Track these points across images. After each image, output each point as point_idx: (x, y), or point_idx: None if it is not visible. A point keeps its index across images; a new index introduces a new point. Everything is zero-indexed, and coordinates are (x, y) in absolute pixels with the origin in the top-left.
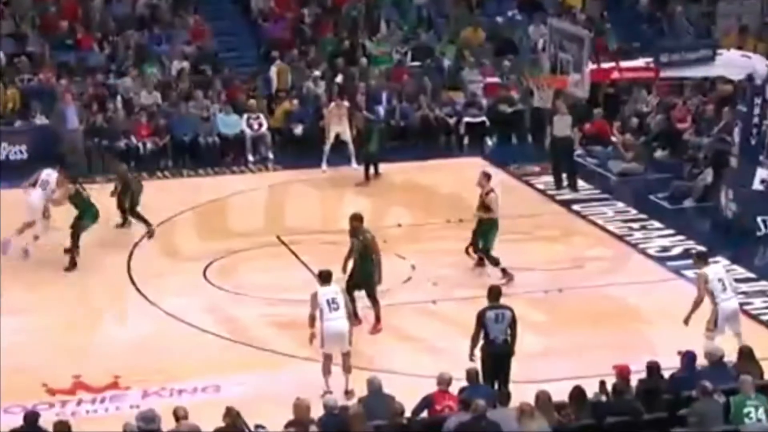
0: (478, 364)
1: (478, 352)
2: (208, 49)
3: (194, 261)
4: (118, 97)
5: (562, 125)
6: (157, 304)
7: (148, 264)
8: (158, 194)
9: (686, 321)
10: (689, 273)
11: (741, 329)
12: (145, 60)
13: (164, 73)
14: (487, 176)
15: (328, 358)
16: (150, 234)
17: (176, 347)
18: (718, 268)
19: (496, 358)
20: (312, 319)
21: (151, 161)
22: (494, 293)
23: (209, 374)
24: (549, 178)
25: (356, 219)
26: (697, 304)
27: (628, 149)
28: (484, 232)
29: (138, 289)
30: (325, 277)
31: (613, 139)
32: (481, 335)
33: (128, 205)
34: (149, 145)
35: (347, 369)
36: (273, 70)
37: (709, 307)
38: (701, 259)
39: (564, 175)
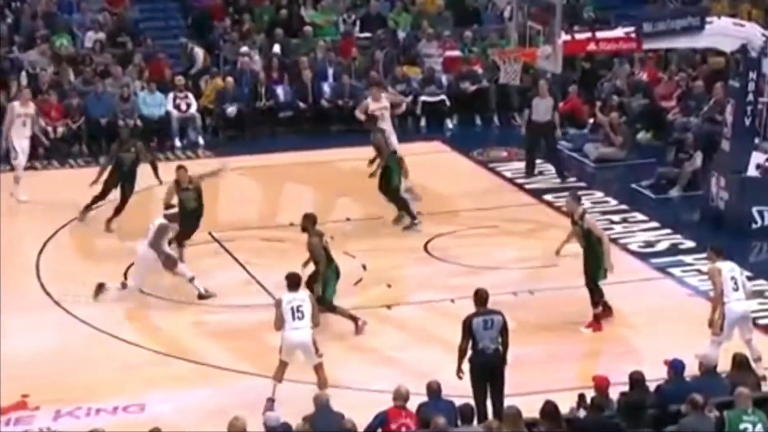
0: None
1: (466, 366)
2: (128, 18)
3: (114, 261)
4: (23, 74)
5: (543, 108)
6: (71, 311)
7: (61, 264)
8: (71, 185)
9: (711, 324)
10: (676, 271)
11: (752, 335)
12: (55, 30)
13: (77, 46)
14: (576, 198)
15: (282, 365)
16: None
17: (94, 360)
18: (733, 265)
19: (488, 369)
20: (278, 328)
21: (63, 147)
22: (481, 297)
23: (132, 391)
24: (518, 165)
25: (307, 219)
26: (716, 303)
27: (616, 132)
28: (594, 264)
29: (48, 293)
30: (292, 283)
31: (598, 119)
32: (470, 345)
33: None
34: (60, 129)
35: (323, 383)
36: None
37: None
38: (716, 253)
39: (553, 168)
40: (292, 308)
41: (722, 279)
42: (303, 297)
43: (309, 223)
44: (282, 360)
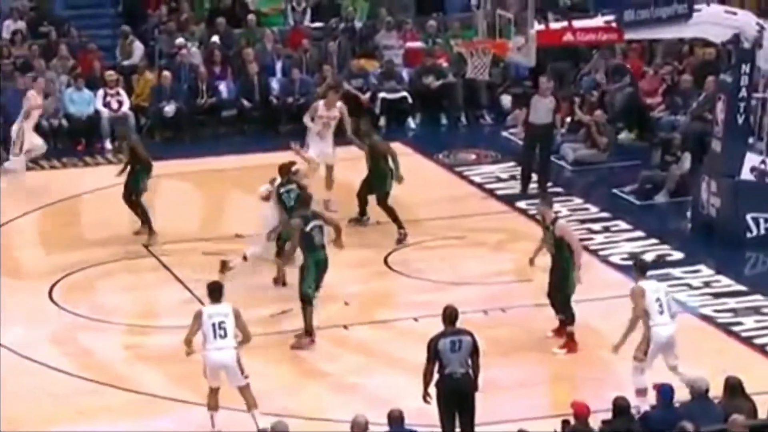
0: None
1: (433, 390)
2: (51, 7)
3: (37, 278)
4: None
5: (544, 109)
6: None
7: None
8: None
9: (617, 348)
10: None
11: (678, 362)
12: None
13: None
14: (549, 202)
15: (213, 392)
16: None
17: (16, 390)
18: (658, 285)
19: (457, 396)
20: (189, 342)
21: None
22: (449, 315)
23: (60, 423)
24: (488, 169)
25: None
26: (633, 324)
27: (602, 133)
28: (563, 274)
29: None
30: (214, 293)
31: (579, 118)
32: (436, 369)
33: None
34: None
35: (252, 404)
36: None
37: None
38: (640, 271)
39: (536, 176)
40: (213, 324)
41: (646, 301)
42: (226, 311)
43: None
44: (210, 387)
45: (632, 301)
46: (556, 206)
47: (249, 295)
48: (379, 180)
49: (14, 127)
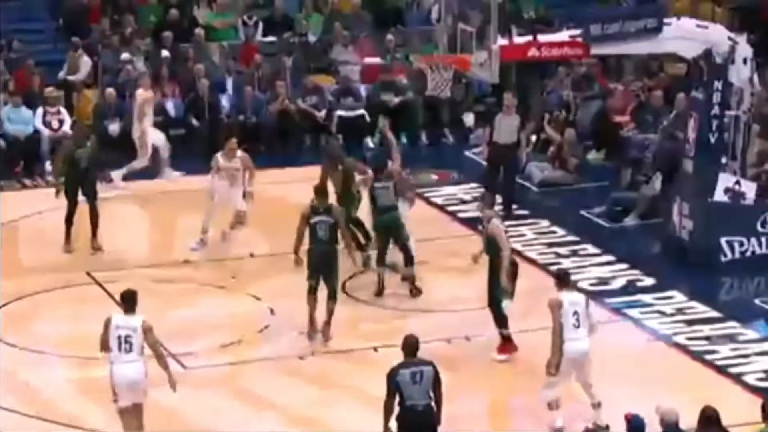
0: None
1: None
2: None
3: None
4: None
5: (508, 127)
6: None
7: None
8: None
9: (551, 366)
10: (634, 312)
11: (591, 380)
12: None
13: None
14: (489, 202)
15: (124, 414)
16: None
17: None
18: (578, 298)
19: (418, 429)
20: (105, 348)
21: None
22: (410, 345)
23: None
24: (450, 190)
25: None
26: (555, 335)
27: (572, 153)
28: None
29: None
30: (127, 302)
31: (550, 137)
32: (397, 401)
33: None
34: None
35: (139, 425)
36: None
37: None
38: (560, 281)
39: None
40: (119, 337)
41: (562, 313)
42: (134, 325)
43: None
44: (120, 408)
45: (552, 314)
46: (522, 229)
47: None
48: (347, 203)
49: (134, 134)
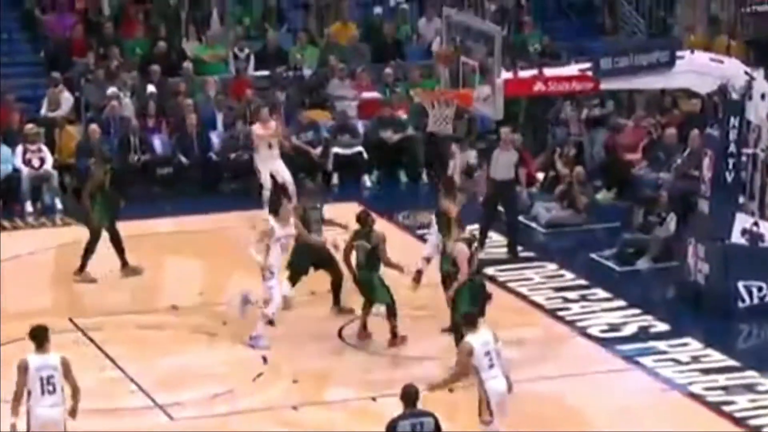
0: None
1: None
2: None
3: None
4: None
5: (505, 163)
6: None
7: None
8: None
9: (432, 388)
10: (647, 360)
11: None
12: None
13: None
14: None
15: None
16: None
17: None
18: (488, 337)
19: None
20: (18, 400)
21: None
22: (410, 395)
23: None
24: None
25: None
26: (455, 377)
27: (582, 191)
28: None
29: None
30: (39, 339)
31: (561, 173)
32: None
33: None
34: None
35: None
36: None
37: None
38: (469, 324)
39: (505, 239)
40: (41, 378)
41: (475, 357)
42: (54, 364)
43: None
44: None
45: (458, 356)
46: (528, 272)
47: None
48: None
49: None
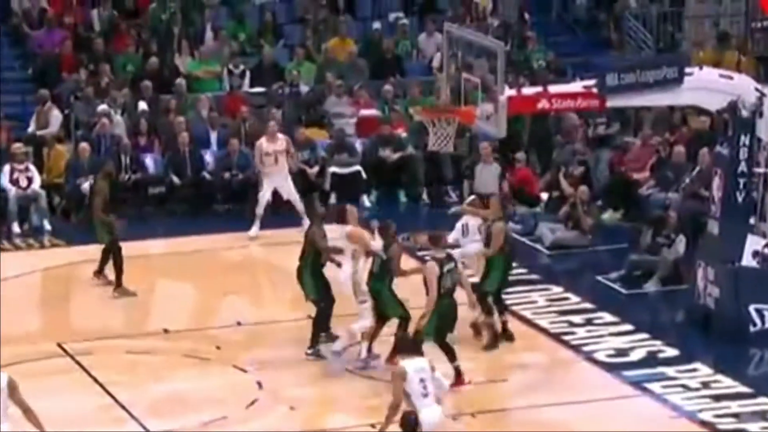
0: None
1: None
2: None
3: None
4: None
5: (487, 177)
6: None
7: None
8: None
9: None
10: (656, 386)
11: None
12: None
13: None
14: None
15: None
16: None
17: None
18: (423, 364)
19: None
20: None
21: None
22: (409, 423)
23: None
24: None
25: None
26: (393, 410)
27: (587, 212)
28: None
29: None
30: None
31: (566, 192)
32: None
33: None
34: None
35: None
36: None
37: None
38: (405, 350)
39: None
40: None
41: (408, 383)
42: (1, 385)
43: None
44: None
45: (393, 384)
46: (533, 295)
47: None
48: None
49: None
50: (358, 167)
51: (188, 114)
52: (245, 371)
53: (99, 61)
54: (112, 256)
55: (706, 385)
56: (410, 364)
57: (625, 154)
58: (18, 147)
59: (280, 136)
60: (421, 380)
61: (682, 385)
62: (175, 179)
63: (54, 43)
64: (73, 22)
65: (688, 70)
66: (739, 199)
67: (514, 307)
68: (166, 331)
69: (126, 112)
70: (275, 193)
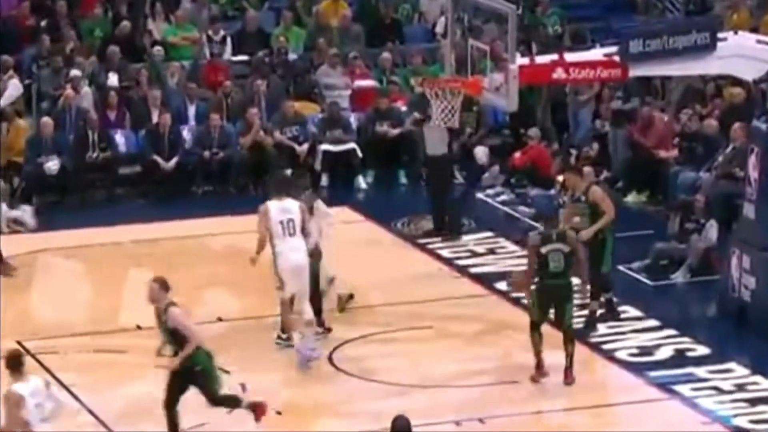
0: None
1: None
2: None
3: None
4: None
5: (436, 138)
6: None
7: None
8: None
9: None
10: (684, 388)
11: None
12: None
13: None
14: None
15: None
16: None
17: None
18: (39, 386)
19: None
20: None
21: None
22: (401, 429)
23: None
24: (459, 241)
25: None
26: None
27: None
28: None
29: None
30: None
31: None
32: None
33: None
34: None
35: None
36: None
37: None
38: (12, 369)
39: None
40: None
41: (27, 408)
42: None
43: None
44: None
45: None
46: None
47: None
48: None
49: None
50: (352, 145)
51: (163, 85)
52: (227, 372)
53: (62, 26)
54: None
55: (741, 387)
56: (25, 388)
57: (649, 130)
58: None
59: None
60: (38, 404)
61: (715, 388)
62: (149, 158)
63: (10, 5)
64: None
65: (721, 35)
66: None
67: (526, 301)
68: (139, 327)
69: (93, 84)
70: None
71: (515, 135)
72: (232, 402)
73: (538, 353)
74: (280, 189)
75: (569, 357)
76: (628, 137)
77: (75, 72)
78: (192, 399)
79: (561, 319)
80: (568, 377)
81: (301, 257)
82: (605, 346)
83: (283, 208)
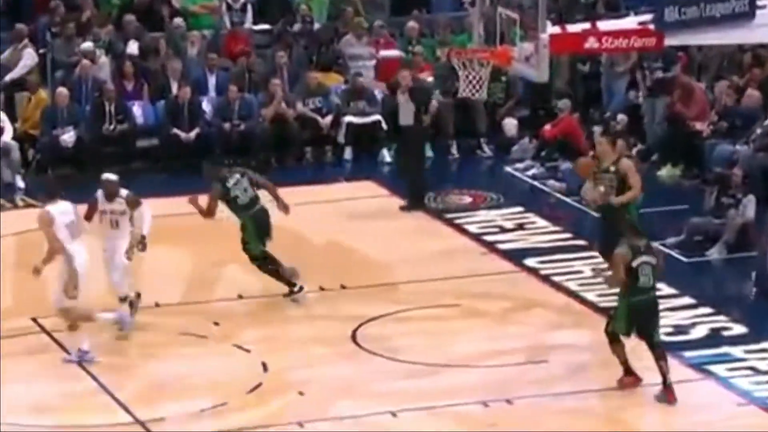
0: None
1: None
2: None
3: None
4: None
5: (407, 108)
6: None
7: None
8: None
9: None
10: (720, 368)
11: None
12: None
13: None
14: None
15: None
16: None
17: None
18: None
19: None
20: None
21: None
22: None
23: None
24: (487, 215)
25: None
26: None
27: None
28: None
29: None
30: None
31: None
32: None
33: None
34: None
35: None
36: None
37: None
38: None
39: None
40: None
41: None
42: None
43: None
44: None
45: None
46: (577, 264)
47: None
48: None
49: None
50: (377, 117)
51: (182, 56)
52: (248, 351)
53: None
54: None
55: None
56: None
57: (685, 101)
58: None
59: None
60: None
61: (751, 368)
62: (169, 130)
63: None
64: None
65: (760, 2)
66: None
67: (557, 278)
68: (157, 305)
69: (110, 53)
70: None
71: (544, 108)
72: None
73: (624, 362)
74: (53, 192)
75: (664, 376)
76: (668, 108)
77: (86, 45)
78: (205, 378)
79: (650, 336)
80: (671, 397)
81: (87, 259)
82: None
83: (63, 211)
